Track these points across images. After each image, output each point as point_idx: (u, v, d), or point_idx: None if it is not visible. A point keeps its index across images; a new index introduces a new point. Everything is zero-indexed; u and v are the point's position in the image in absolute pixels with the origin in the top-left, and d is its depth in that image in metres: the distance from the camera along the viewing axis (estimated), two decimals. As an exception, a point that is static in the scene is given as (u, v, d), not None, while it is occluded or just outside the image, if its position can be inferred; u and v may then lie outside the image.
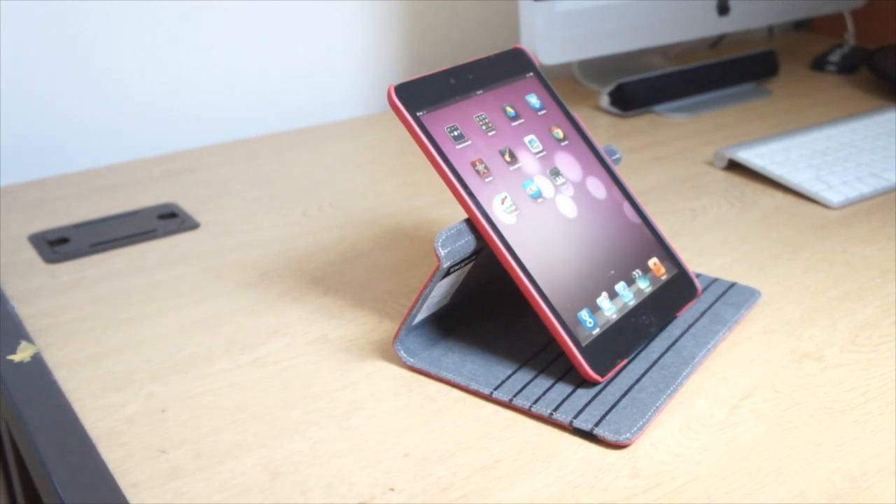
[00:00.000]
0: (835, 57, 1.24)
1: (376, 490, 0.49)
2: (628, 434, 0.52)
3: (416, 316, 0.58)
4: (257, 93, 1.06)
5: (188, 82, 1.01)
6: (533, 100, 0.64)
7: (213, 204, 0.85)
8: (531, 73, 0.66)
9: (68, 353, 0.61)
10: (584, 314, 0.57)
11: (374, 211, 0.83)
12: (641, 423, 0.53)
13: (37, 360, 0.60)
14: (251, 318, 0.66)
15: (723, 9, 1.14)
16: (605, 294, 0.59)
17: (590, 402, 0.55)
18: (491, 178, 0.58)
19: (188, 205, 0.84)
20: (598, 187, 0.64)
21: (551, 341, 0.60)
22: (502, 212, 0.57)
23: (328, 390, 0.57)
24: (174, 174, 0.92)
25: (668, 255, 0.64)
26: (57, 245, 0.77)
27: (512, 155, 0.60)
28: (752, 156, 0.90)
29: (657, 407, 0.54)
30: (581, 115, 1.08)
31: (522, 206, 0.58)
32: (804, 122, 1.03)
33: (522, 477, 0.50)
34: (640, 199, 0.66)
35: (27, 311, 0.67)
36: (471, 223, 0.56)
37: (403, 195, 0.86)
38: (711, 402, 0.56)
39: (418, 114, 0.57)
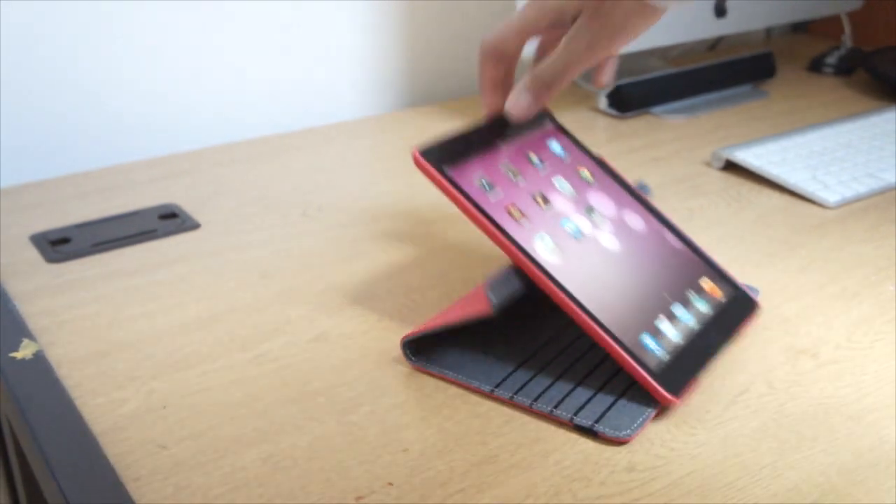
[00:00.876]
0: (832, 59, 1.24)
1: (375, 485, 0.49)
2: (628, 430, 0.52)
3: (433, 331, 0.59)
4: (257, 94, 1.07)
5: (188, 84, 1.02)
6: (555, 146, 0.65)
7: (214, 204, 0.85)
8: (548, 122, 0.67)
9: (70, 351, 0.62)
10: (646, 339, 0.56)
11: (374, 211, 0.84)
12: (641, 419, 0.53)
13: (39, 358, 0.61)
14: (251, 316, 0.66)
15: (720, 11, 1.15)
16: (662, 316, 0.58)
17: (590, 399, 0.55)
18: (528, 222, 0.59)
19: (188, 205, 0.85)
20: (635, 220, 0.64)
21: (550, 340, 0.61)
22: (546, 252, 0.57)
23: (327, 387, 0.58)
24: (174, 175, 0.92)
25: (720, 275, 0.64)
26: (58, 245, 0.77)
27: (544, 198, 0.61)
28: (749, 156, 0.90)
29: (655, 403, 0.55)
30: (579, 116, 1.09)
31: (564, 245, 0.59)
32: (801, 123, 1.03)
33: (520, 471, 0.50)
34: (681, 227, 0.66)
35: (29, 310, 0.67)
36: (517, 269, 0.57)
37: (403, 196, 0.87)
38: (708, 398, 0.56)
39: (446, 171, 0.58)
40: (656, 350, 0.56)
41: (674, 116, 1.08)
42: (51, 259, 0.75)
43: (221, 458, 0.52)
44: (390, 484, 0.49)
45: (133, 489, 0.49)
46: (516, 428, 0.54)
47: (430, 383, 0.58)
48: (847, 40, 1.30)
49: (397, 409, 0.56)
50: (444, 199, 0.57)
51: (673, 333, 0.57)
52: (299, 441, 0.53)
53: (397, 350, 0.60)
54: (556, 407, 0.55)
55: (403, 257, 0.74)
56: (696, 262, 0.64)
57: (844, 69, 1.23)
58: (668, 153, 0.97)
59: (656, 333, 0.57)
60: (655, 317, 0.58)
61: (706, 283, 0.62)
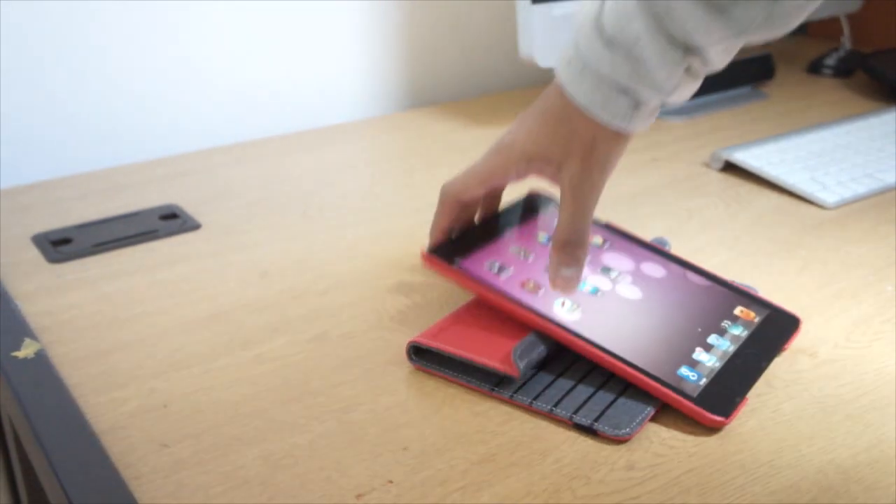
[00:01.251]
0: (831, 60, 1.24)
1: (375, 482, 0.50)
2: (627, 429, 0.53)
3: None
4: (258, 95, 1.07)
5: (189, 84, 1.02)
6: None
7: (214, 205, 0.85)
8: (552, 205, 0.68)
9: (72, 350, 0.62)
10: (684, 371, 0.56)
11: (374, 211, 0.84)
12: (641, 417, 0.54)
13: (41, 357, 0.61)
14: (252, 315, 0.66)
15: (719, 12, 1.15)
16: (699, 349, 0.58)
17: (589, 398, 0.55)
18: (544, 290, 0.60)
19: (189, 206, 0.85)
20: (654, 269, 0.65)
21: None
22: (565, 312, 0.58)
23: (328, 385, 0.58)
24: (175, 176, 0.92)
25: (753, 301, 0.64)
26: (60, 245, 0.77)
27: None
28: (748, 157, 0.91)
29: (654, 401, 0.55)
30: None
31: (584, 303, 0.60)
32: (800, 124, 1.04)
33: (519, 470, 0.50)
34: (704, 266, 0.67)
35: (31, 310, 0.67)
36: (540, 333, 0.58)
37: (403, 196, 0.87)
38: (706, 397, 0.56)
39: (456, 263, 0.60)
40: (694, 377, 0.56)
41: (673, 118, 1.08)
42: (52, 259, 0.75)
43: (222, 456, 0.52)
44: (390, 482, 0.50)
45: (134, 487, 0.49)
46: (516, 427, 0.54)
47: (430, 383, 0.58)
48: (846, 42, 1.30)
49: (397, 408, 0.56)
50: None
51: (709, 359, 0.57)
52: (300, 440, 0.53)
53: (397, 350, 0.61)
54: (555, 406, 0.55)
55: (403, 257, 0.75)
56: (726, 293, 0.64)
57: (843, 71, 1.23)
58: (667, 154, 0.97)
59: (694, 364, 0.57)
60: (692, 350, 0.58)
61: (740, 311, 0.62)
